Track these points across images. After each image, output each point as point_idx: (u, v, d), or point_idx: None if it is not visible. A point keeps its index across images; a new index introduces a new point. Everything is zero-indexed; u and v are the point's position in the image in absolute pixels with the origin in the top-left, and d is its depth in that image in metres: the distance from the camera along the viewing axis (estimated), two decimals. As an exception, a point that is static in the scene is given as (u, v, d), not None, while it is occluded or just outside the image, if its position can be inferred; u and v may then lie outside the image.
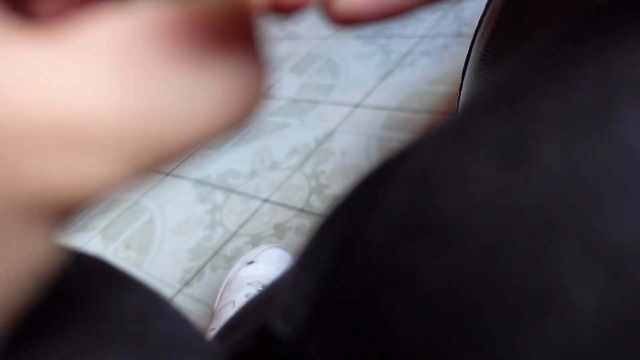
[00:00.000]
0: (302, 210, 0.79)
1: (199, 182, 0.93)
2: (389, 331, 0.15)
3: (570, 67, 0.15)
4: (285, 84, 1.12)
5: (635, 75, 0.14)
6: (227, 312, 0.59)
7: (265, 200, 0.83)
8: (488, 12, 0.51)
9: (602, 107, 0.14)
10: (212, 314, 0.66)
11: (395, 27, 1.14)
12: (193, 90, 0.11)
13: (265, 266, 0.66)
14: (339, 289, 0.18)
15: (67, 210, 0.10)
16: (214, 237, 0.81)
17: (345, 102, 0.98)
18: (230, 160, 0.95)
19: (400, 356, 0.14)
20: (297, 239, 0.74)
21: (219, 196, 0.88)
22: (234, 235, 0.80)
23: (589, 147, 0.13)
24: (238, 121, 0.12)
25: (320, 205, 0.78)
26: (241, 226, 0.81)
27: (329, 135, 0.91)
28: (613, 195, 0.12)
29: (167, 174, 0.97)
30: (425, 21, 1.10)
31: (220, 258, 0.77)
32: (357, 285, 0.17)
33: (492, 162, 0.15)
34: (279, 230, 0.77)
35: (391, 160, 0.21)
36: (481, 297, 0.13)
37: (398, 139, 0.83)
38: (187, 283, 0.75)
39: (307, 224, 0.76)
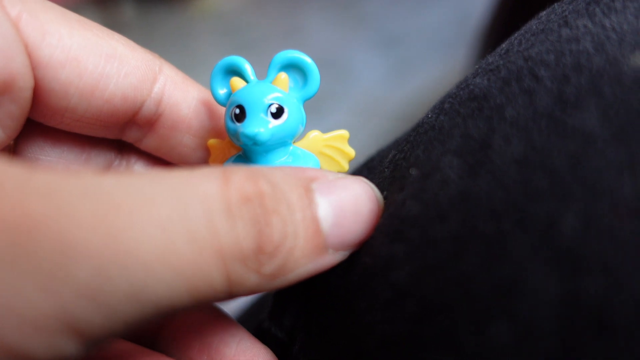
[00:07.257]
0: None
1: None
2: (364, 326, 0.15)
3: (533, 62, 0.16)
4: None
5: (594, 64, 0.14)
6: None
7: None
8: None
9: (564, 97, 0.14)
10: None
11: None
12: None
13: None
14: (322, 286, 0.18)
15: None
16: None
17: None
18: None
19: (375, 350, 0.14)
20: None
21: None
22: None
23: (553, 137, 0.13)
24: None
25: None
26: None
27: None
28: (577, 184, 0.12)
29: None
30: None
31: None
32: (337, 281, 0.17)
33: (460, 154, 0.15)
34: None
35: (372, 158, 0.22)
36: (447, 290, 0.13)
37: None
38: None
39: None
